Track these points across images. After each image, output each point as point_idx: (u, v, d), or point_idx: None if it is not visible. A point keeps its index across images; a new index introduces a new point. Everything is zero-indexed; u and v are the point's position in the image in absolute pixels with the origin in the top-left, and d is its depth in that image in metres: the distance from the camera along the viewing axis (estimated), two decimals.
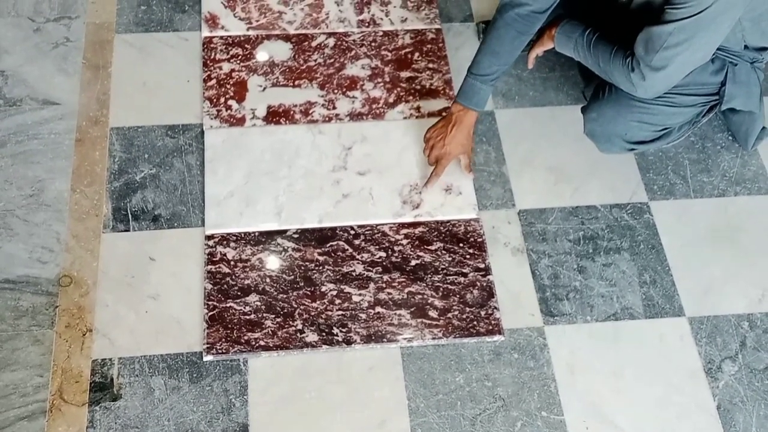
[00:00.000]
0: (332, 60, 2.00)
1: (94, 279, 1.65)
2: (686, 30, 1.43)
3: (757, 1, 1.48)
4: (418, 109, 1.93)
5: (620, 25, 1.58)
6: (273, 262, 1.69)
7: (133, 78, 1.95)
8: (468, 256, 1.72)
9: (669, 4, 1.44)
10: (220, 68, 1.97)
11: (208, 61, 1.98)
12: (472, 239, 1.74)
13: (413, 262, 1.70)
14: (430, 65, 2.00)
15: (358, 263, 1.70)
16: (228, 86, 1.94)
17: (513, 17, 1.63)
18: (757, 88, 1.70)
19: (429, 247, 1.73)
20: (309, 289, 1.66)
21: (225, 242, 1.71)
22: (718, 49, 1.60)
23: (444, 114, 1.83)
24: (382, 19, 2.08)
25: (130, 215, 1.74)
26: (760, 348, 1.64)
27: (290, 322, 1.61)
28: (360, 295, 1.66)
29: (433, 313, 1.64)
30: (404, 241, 1.73)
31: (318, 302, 1.64)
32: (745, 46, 1.63)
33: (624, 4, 1.58)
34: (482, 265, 1.71)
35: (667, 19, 1.44)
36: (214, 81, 1.94)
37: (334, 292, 1.66)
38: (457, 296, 1.67)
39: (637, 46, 1.50)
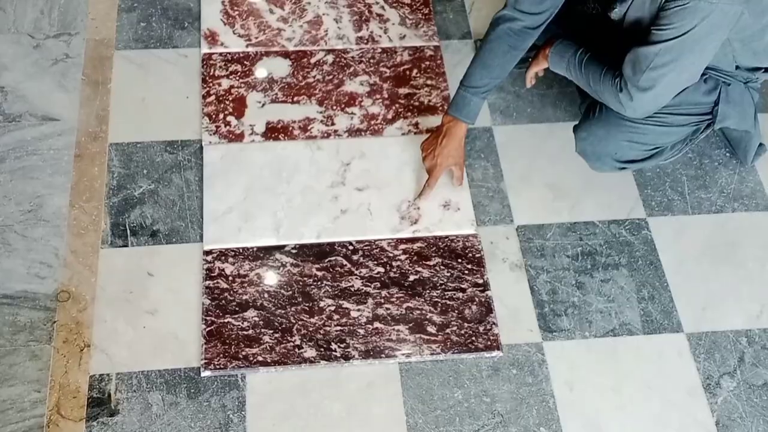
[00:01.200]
0: (331, 76, 2.03)
1: (93, 294, 1.66)
2: (672, 51, 1.48)
3: (745, 22, 1.52)
4: (416, 125, 1.97)
5: (614, 43, 1.62)
6: (271, 278, 1.71)
7: (133, 94, 1.97)
8: (466, 272, 1.74)
9: (655, 25, 1.49)
10: (219, 84, 2.00)
11: (208, 78, 2.01)
12: (470, 255, 1.77)
13: (411, 278, 1.73)
14: (429, 82, 2.04)
15: (356, 279, 1.72)
16: (227, 102, 1.97)
17: (505, 31, 1.67)
18: (751, 108, 1.74)
19: (427, 263, 1.75)
20: (307, 304, 1.68)
21: (223, 257, 1.73)
22: (710, 69, 1.64)
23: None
24: (380, 36, 2.12)
25: (128, 231, 1.76)
26: (759, 364, 1.67)
27: (288, 338, 1.63)
28: (358, 310, 1.68)
29: (431, 329, 1.67)
30: (402, 257, 1.76)
31: (316, 318, 1.66)
32: (737, 67, 1.66)
33: (617, 23, 1.62)
34: (480, 281, 1.74)
35: (653, 40, 1.49)
36: (213, 97, 1.98)
37: (333, 308, 1.68)
38: (456, 312, 1.69)
39: (625, 66, 1.54)
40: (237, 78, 2.02)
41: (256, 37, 2.10)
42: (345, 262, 1.75)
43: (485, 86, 1.72)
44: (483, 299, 1.71)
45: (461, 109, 1.75)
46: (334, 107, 1.99)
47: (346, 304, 1.69)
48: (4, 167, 1.85)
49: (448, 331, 1.67)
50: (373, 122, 1.97)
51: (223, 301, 1.67)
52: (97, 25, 2.09)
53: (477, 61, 1.72)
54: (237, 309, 1.67)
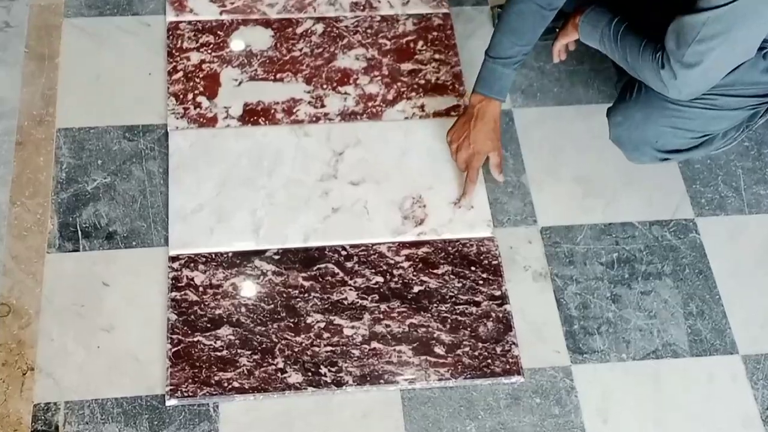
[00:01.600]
0: (321, 50, 2.00)
1: (37, 308, 1.63)
2: (722, 20, 1.41)
3: None
4: (421, 107, 1.93)
5: (656, 10, 1.55)
6: (249, 289, 1.69)
7: (85, 70, 1.94)
8: (481, 282, 1.71)
9: None
10: (188, 59, 1.97)
11: (174, 51, 1.97)
12: (485, 262, 1.74)
13: (416, 289, 1.70)
14: (437, 56, 2.00)
15: (350, 290, 1.69)
16: (197, 80, 1.94)
17: None
18: None
19: (435, 271, 1.72)
20: (292, 320, 1.65)
21: (192, 264, 1.70)
22: None
23: (460, 111, 1.85)
24: (379, 1, 2.08)
25: (79, 232, 1.73)
26: None
27: (269, 360, 1.60)
28: (353, 327, 1.65)
29: (439, 350, 1.63)
30: (405, 264, 1.73)
31: (303, 336, 1.63)
32: None
33: None
34: (498, 293, 1.70)
35: (701, 7, 1.42)
36: (180, 74, 1.94)
37: (322, 325, 1.65)
38: (468, 329, 1.66)
39: (668, 38, 1.49)
40: (209, 51, 1.98)
41: (232, 3, 2.07)
42: (337, 271, 1.71)
43: (516, 55, 1.71)
44: (501, 314, 1.68)
45: (492, 85, 1.74)
46: (325, 86, 1.95)
47: (338, 321, 1.66)
48: None
49: (459, 352, 1.63)
50: (370, 104, 1.93)
51: (192, 317, 1.64)
52: None
53: (503, 26, 1.71)
54: (208, 326, 1.64)
